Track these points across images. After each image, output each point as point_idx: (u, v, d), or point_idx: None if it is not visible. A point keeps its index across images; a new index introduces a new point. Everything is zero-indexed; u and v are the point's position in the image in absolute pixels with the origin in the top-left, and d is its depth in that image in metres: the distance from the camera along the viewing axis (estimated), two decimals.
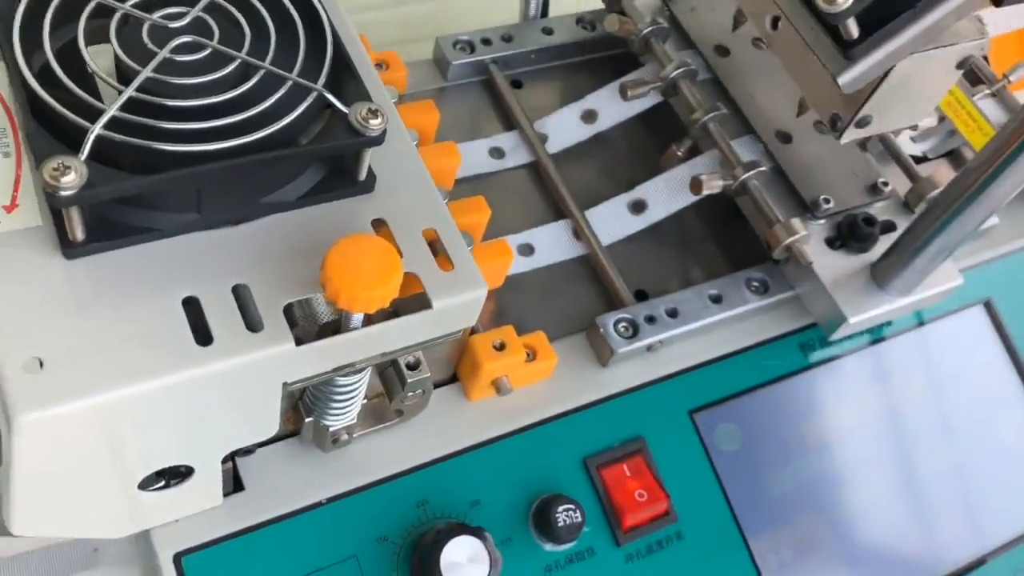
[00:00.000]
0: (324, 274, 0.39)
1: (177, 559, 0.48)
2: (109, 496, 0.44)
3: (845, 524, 0.62)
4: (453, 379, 0.58)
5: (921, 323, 0.69)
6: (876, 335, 0.67)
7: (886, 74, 0.55)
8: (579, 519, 0.53)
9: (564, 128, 0.70)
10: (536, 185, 0.68)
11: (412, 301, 0.43)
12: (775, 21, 0.57)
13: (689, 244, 0.68)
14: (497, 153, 0.68)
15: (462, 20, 1.13)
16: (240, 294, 0.41)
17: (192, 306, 0.40)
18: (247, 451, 0.51)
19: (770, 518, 0.60)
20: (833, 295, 0.62)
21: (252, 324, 0.40)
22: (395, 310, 0.43)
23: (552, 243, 0.65)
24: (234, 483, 0.51)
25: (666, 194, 0.67)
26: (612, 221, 0.66)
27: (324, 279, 0.39)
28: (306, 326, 0.43)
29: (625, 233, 0.66)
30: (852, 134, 0.60)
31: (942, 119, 0.75)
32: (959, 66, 0.58)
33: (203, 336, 0.39)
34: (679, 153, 0.69)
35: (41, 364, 0.37)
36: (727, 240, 0.68)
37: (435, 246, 0.45)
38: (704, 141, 0.68)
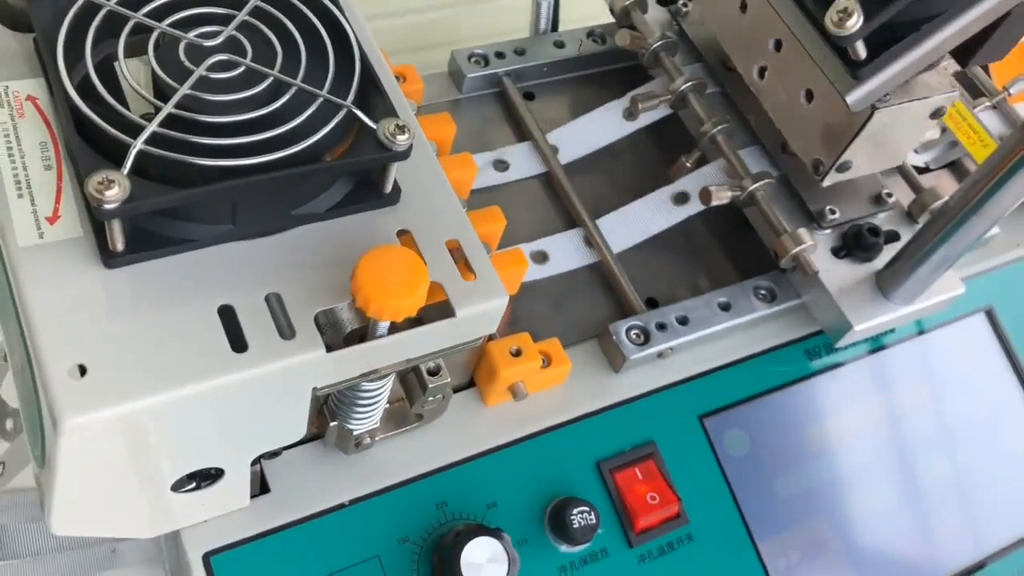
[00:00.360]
0: (355, 284, 0.40)
1: (206, 559, 0.49)
2: (143, 497, 0.45)
3: (850, 527, 0.64)
4: (470, 384, 0.59)
5: (924, 331, 0.71)
6: (880, 343, 0.69)
7: (865, 123, 0.57)
8: (593, 521, 0.54)
9: (576, 139, 0.72)
10: (548, 195, 0.70)
11: (436, 309, 0.45)
12: (762, 71, 0.59)
13: (698, 253, 0.70)
14: (508, 164, 0.69)
15: (471, 28, 1.15)
16: (272, 302, 0.42)
17: (227, 314, 0.41)
18: (273, 454, 0.53)
19: (778, 521, 0.62)
20: (839, 303, 0.64)
21: (284, 331, 0.41)
22: (420, 318, 0.44)
23: (564, 251, 0.66)
24: (260, 485, 0.52)
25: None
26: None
27: (354, 288, 0.40)
28: (331, 334, 0.45)
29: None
30: (833, 178, 0.62)
31: (944, 130, 0.77)
32: (932, 116, 0.60)
33: (238, 343, 0.41)
34: (688, 164, 0.71)
35: (84, 370, 0.38)
36: (735, 249, 0.70)
37: (456, 255, 0.46)
38: (712, 152, 0.70)
